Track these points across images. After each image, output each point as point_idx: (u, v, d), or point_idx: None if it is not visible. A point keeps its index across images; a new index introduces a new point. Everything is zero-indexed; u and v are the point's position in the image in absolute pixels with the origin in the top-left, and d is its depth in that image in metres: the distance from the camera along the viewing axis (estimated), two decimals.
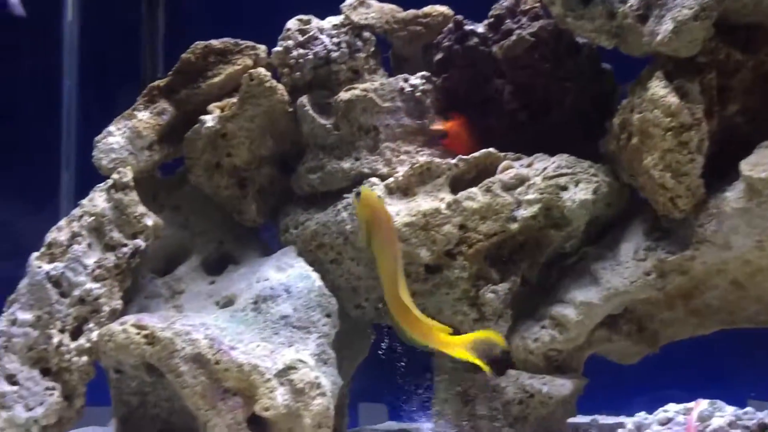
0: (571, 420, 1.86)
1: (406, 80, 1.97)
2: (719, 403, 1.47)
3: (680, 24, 1.54)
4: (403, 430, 2.10)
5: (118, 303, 1.84)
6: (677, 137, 1.57)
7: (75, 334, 1.79)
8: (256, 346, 1.72)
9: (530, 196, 1.75)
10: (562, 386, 1.73)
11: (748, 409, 1.45)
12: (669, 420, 1.46)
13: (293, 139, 2.03)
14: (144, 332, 1.70)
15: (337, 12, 2.03)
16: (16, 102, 2.57)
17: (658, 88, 1.59)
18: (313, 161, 1.97)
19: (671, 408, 1.49)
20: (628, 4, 1.65)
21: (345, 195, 1.92)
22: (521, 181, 1.78)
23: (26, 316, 1.77)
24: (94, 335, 1.77)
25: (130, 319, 1.75)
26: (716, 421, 1.41)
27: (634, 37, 1.67)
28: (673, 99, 1.56)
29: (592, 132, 1.87)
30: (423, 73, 1.98)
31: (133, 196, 1.89)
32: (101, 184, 1.91)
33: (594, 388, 1.86)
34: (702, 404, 1.47)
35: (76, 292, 1.80)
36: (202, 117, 1.95)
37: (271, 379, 1.67)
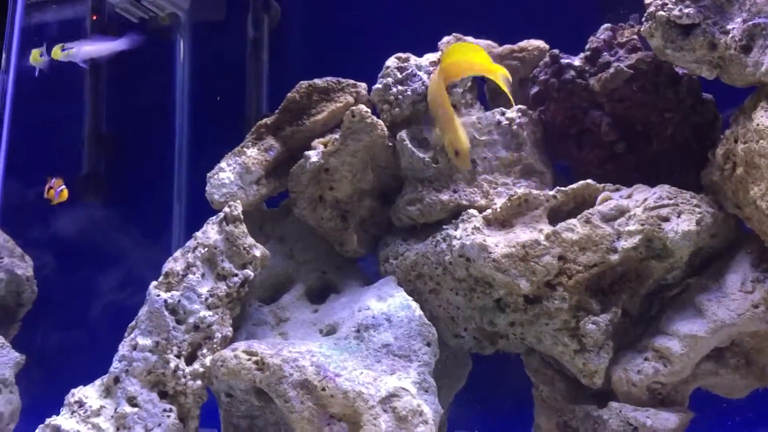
0: None
1: (502, 114, 2.01)
2: None
3: None
4: None
5: (229, 330, 1.94)
6: None
7: (190, 359, 1.89)
8: (359, 373, 1.78)
9: (631, 227, 1.75)
10: (666, 420, 1.70)
11: None
12: None
13: (393, 172, 2.09)
14: (254, 358, 1.79)
15: (434, 49, 2.10)
16: (135, 136, 2.76)
17: (764, 118, 1.57)
18: (412, 193, 2.03)
19: None
20: (731, 35, 1.65)
21: (444, 226, 1.97)
22: (621, 212, 1.78)
23: (146, 341, 1.88)
24: (208, 360, 1.87)
25: (241, 345, 1.84)
26: None
27: (737, 68, 1.65)
28: None
29: (693, 163, 1.86)
30: (520, 106, 2.02)
31: (243, 228, 1.99)
32: (213, 218, 2.02)
33: (699, 421, 1.83)
34: None
35: (191, 320, 1.91)
36: (307, 152, 2.04)
37: (375, 406, 1.72)
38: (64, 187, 2.27)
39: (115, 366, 1.89)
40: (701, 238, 1.74)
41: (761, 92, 1.65)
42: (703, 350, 1.71)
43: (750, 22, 1.61)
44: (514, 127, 2.00)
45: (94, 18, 2.86)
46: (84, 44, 2.21)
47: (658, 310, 1.84)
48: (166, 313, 1.90)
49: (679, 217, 1.73)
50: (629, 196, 1.81)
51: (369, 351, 1.86)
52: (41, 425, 1.83)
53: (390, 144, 2.05)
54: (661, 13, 1.72)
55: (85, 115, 2.67)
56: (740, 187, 1.65)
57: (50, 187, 2.26)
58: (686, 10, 1.70)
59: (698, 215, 1.73)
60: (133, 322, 1.94)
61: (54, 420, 1.83)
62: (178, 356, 1.88)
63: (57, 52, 2.32)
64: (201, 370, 1.87)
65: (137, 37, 2.33)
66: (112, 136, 2.72)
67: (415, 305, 1.89)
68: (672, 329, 1.73)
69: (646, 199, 1.77)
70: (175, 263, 1.99)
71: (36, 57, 2.32)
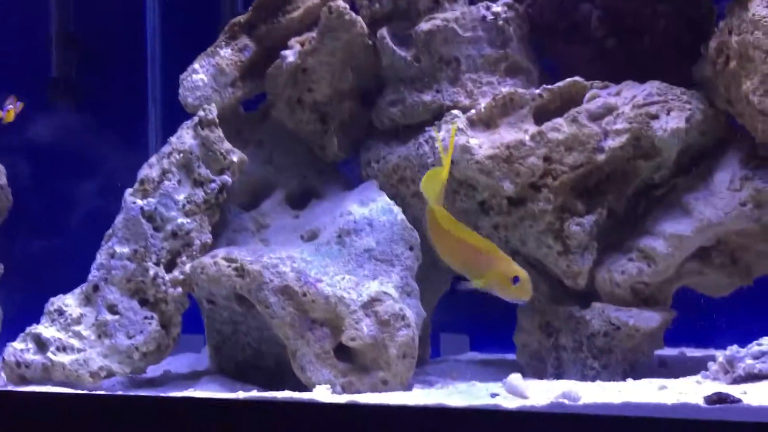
0: (658, 352, 1.84)
1: (487, 8, 1.92)
2: None
3: None
4: (486, 360, 2.12)
5: (208, 237, 1.90)
6: None
7: (169, 267, 1.87)
8: (341, 278, 1.76)
9: (618, 126, 1.70)
10: (649, 319, 1.70)
11: None
12: (763, 354, 1.42)
13: (373, 72, 2.01)
14: (234, 265, 1.76)
15: None
16: (105, 36, 2.64)
17: (760, 8, 1.50)
18: (394, 94, 1.96)
19: (765, 341, 1.45)
20: None
21: (427, 128, 1.91)
22: (609, 110, 1.72)
23: (124, 249, 1.85)
24: (187, 267, 1.85)
25: (221, 252, 1.81)
26: None
27: None
28: None
29: (685, 58, 1.78)
30: (506, 0, 1.92)
31: (219, 132, 1.93)
32: (188, 122, 1.95)
33: (681, 320, 1.83)
34: None
35: (169, 227, 1.87)
36: (283, 52, 1.95)
37: (357, 311, 1.71)
38: (17, 104, 2.17)
39: (94, 274, 1.87)
40: (690, 136, 1.69)
41: None
42: (688, 250, 1.69)
43: None
44: (500, 22, 1.91)
45: None
46: None
47: (645, 211, 1.81)
48: (143, 220, 1.86)
49: (668, 114, 1.67)
50: (618, 94, 1.75)
51: (351, 256, 1.83)
52: (22, 334, 1.82)
53: (370, 42, 1.97)
54: None
55: (51, 14, 2.54)
56: (733, 82, 1.59)
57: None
58: None
59: (688, 112, 1.67)
60: (110, 231, 1.91)
61: (34, 328, 1.82)
62: (157, 264, 1.86)
63: None
64: (181, 277, 1.85)
65: None
66: (81, 36, 2.60)
67: (397, 209, 1.86)
68: (657, 229, 1.70)
69: (635, 96, 1.71)
70: (150, 170, 1.93)
71: None
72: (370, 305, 1.72)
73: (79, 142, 2.53)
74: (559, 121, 1.74)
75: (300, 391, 1.63)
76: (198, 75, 1.98)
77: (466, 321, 2.39)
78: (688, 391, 1.39)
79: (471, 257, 1.39)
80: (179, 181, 1.90)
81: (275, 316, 1.71)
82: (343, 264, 1.82)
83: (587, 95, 1.77)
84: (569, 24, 1.88)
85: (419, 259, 1.84)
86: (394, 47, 1.93)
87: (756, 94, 1.52)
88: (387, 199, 1.89)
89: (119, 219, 1.89)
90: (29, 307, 1.91)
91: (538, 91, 1.81)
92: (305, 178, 2.10)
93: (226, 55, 1.99)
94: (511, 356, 2.02)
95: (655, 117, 1.68)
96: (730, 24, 1.60)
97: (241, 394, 1.63)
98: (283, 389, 1.63)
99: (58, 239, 2.56)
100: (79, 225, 2.53)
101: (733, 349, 1.47)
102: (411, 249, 1.84)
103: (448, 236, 1.42)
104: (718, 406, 1.26)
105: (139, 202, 1.88)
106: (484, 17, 1.91)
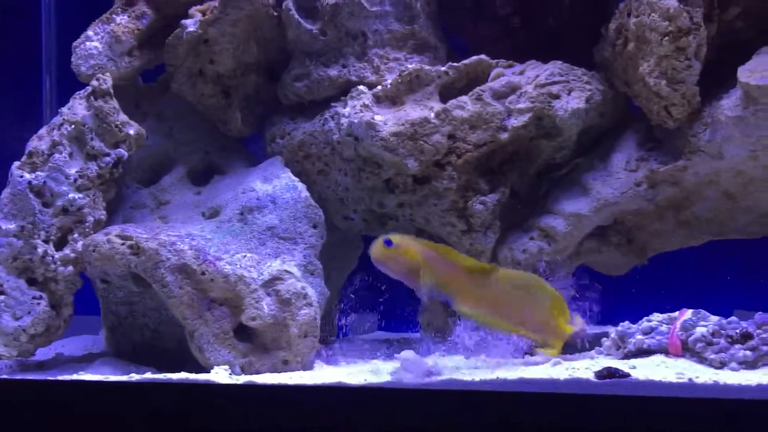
0: None
1: None
2: (703, 313, 1.47)
3: None
4: (390, 339, 2.12)
5: (101, 213, 1.82)
6: (674, 42, 1.51)
7: (60, 244, 1.77)
8: (242, 256, 1.71)
9: (521, 105, 1.71)
10: None
11: (732, 318, 1.45)
12: (652, 329, 1.46)
13: (279, 45, 1.96)
14: (129, 242, 1.69)
15: None
16: None
17: None
18: (299, 68, 1.91)
19: (655, 318, 1.49)
20: None
21: (332, 104, 1.88)
22: (512, 89, 1.73)
23: (10, 225, 1.74)
24: (79, 245, 1.76)
25: (115, 229, 1.73)
26: (699, 330, 1.41)
27: None
28: (671, 2, 1.50)
29: (589, 38, 1.80)
30: None
31: (114, 103, 1.83)
32: (81, 92, 1.85)
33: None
34: (686, 314, 1.47)
35: (59, 202, 1.77)
36: (183, 21, 1.87)
37: (258, 290, 1.66)
38: None
39: None
40: (590, 117, 1.71)
41: None
42: (586, 228, 1.72)
43: None
44: None
45: None
46: None
47: (547, 190, 1.83)
48: (30, 195, 1.76)
49: (569, 94, 1.69)
50: (521, 73, 1.75)
51: (253, 234, 1.79)
52: None
53: (275, 14, 1.91)
54: None
55: None
56: (630, 63, 1.62)
57: None
58: None
59: (588, 92, 1.70)
60: None
61: None
62: (46, 241, 1.76)
63: None
64: (72, 255, 1.76)
65: None
66: None
67: (301, 186, 1.82)
68: (557, 208, 1.73)
69: (537, 76, 1.72)
70: (39, 142, 1.82)
71: None
72: (271, 284, 1.68)
73: None
74: (463, 98, 1.73)
75: (198, 372, 1.58)
76: (92, 42, 1.88)
77: (374, 300, 2.38)
78: (580, 367, 1.41)
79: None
80: (70, 154, 1.80)
81: (172, 295, 1.65)
82: (244, 242, 1.77)
83: (492, 74, 1.77)
84: (476, 1, 1.87)
85: (323, 237, 1.82)
86: (300, 19, 1.88)
87: (652, 76, 1.55)
88: (291, 175, 1.85)
89: (5, 193, 1.78)
90: None
91: (444, 68, 1.79)
92: (207, 153, 2.02)
93: (122, 22, 1.89)
94: (416, 335, 2.01)
95: (557, 97, 1.69)
96: (629, 6, 1.62)
97: (134, 377, 1.57)
98: (182, 371, 1.58)
99: None
100: None
101: (624, 325, 1.51)
102: (315, 227, 1.81)
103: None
104: (607, 380, 1.29)
105: (27, 175, 1.77)
106: None
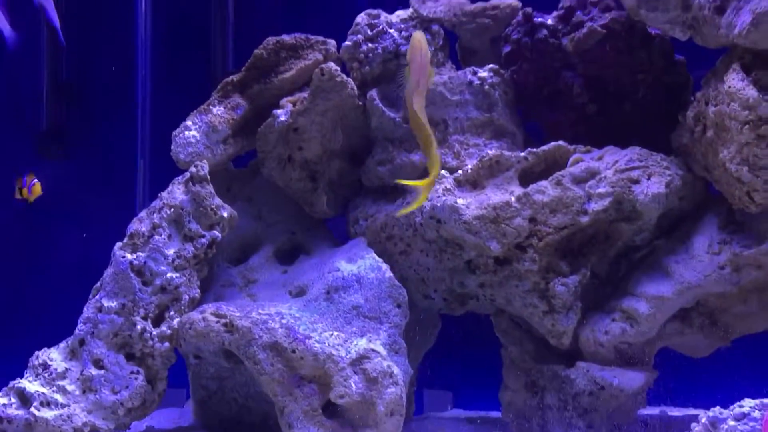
0: (640, 411, 1.87)
1: (474, 73, 1.99)
2: None
3: (760, 16, 1.52)
4: (470, 418, 2.13)
5: (196, 292, 1.91)
6: (755, 130, 1.55)
7: (157, 321, 1.87)
8: (329, 335, 1.77)
9: (601, 190, 1.76)
10: (632, 379, 1.74)
11: None
12: (744, 415, 1.45)
13: (362, 132, 2.06)
14: (223, 320, 1.77)
15: (406, 6, 2.05)
16: (96, 90, 2.68)
17: (736, 80, 1.57)
18: (383, 154, 2.00)
19: (747, 403, 1.48)
20: None
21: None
22: (592, 174, 1.78)
23: (111, 303, 1.85)
24: (175, 322, 1.85)
25: (210, 308, 1.82)
26: None
27: (710, 29, 1.65)
28: (751, 92, 1.54)
29: (664, 124, 1.86)
30: (491, 66, 2.00)
31: (210, 188, 1.95)
32: (179, 177, 1.97)
33: (661, 378, 1.86)
34: None
35: (158, 281, 1.88)
36: (275, 111, 2.00)
37: (346, 368, 1.72)
38: (36, 181, 2.20)
39: (80, 328, 1.86)
40: (670, 201, 1.75)
41: (733, 54, 1.65)
42: (669, 311, 1.74)
43: None
44: (486, 87, 1.97)
45: None
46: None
47: (626, 272, 1.86)
48: (131, 274, 1.87)
49: (649, 179, 1.74)
50: (600, 158, 1.81)
51: (339, 312, 1.85)
52: (5, 388, 1.80)
53: (360, 103, 2.02)
54: None
55: (44, 68, 2.57)
56: (710, 150, 1.66)
57: (21, 187, 2.18)
58: None
59: (668, 177, 1.74)
60: (98, 284, 1.91)
61: (18, 383, 1.80)
62: (144, 318, 1.86)
63: None
64: (168, 332, 1.85)
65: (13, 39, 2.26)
66: (72, 88, 2.63)
67: (385, 267, 1.89)
68: (639, 291, 1.75)
69: (616, 161, 1.77)
70: (140, 224, 1.94)
71: None
72: (358, 362, 1.73)
73: (67, 193, 2.54)
74: (544, 183, 1.79)
75: None
76: (190, 132, 2.01)
77: (449, 377, 2.40)
78: None
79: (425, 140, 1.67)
80: (169, 236, 1.92)
81: (264, 372, 1.72)
82: (331, 320, 1.84)
83: (571, 159, 1.83)
84: (552, 90, 1.95)
85: (407, 316, 1.87)
86: (384, 108, 1.98)
87: (733, 162, 1.58)
88: (375, 256, 1.93)
89: (108, 273, 1.90)
90: (12, 360, 1.89)
91: (523, 154, 1.86)
92: (293, 234, 2.12)
93: (218, 112, 2.03)
94: (495, 414, 2.03)
95: (637, 182, 1.74)
96: (707, 95, 1.68)
97: None
98: None
99: (45, 291, 2.54)
100: (65, 276, 2.52)
101: (716, 411, 1.50)
102: (399, 306, 1.86)
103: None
104: None
105: (129, 256, 1.88)
106: (470, 82, 1.98)
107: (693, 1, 1.66)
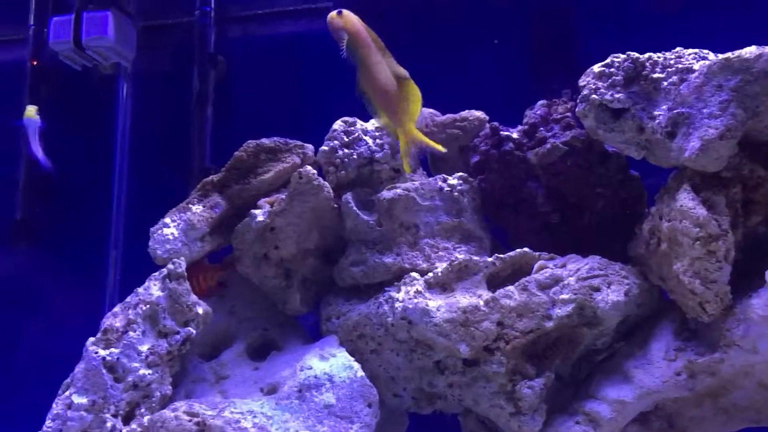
0: None
1: (444, 180, 2.10)
2: None
3: (707, 143, 1.66)
4: None
5: (168, 389, 1.92)
6: (706, 246, 1.67)
7: (127, 419, 1.86)
8: None
9: (565, 296, 1.85)
10: None
11: None
12: None
13: (337, 233, 2.14)
14: (195, 419, 1.78)
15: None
16: (72, 182, 2.72)
17: (687, 200, 1.70)
18: (356, 255, 2.08)
19: None
20: (657, 121, 1.78)
21: (386, 288, 2.03)
22: (556, 281, 1.88)
23: (82, 400, 1.85)
24: (146, 420, 1.85)
25: (182, 405, 1.84)
26: None
27: (662, 151, 1.79)
28: (701, 211, 1.67)
29: (621, 234, 1.98)
30: (460, 174, 2.11)
31: (186, 285, 1.99)
32: (156, 273, 2.01)
33: None
34: None
35: (130, 378, 1.89)
36: (253, 211, 2.07)
37: None
38: None
39: (48, 425, 1.84)
40: (629, 308, 1.85)
41: (684, 174, 1.78)
42: (630, 415, 1.81)
43: (675, 111, 1.74)
44: (455, 193, 2.08)
45: (35, 63, 2.83)
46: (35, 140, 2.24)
47: (588, 374, 1.94)
48: (104, 371, 1.87)
49: (609, 287, 1.84)
50: (563, 266, 1.91)
51: (311, 412, 1.88)
52: None
53: (335, 205, 2.10)
54: (594, 96, 1.85)
55: (21, 160, 2.62)
56: (664, 261, 1.78)
57: None
58: (617, 96, 1.83)
59: (626, 286, 1.84)
60: (69, 380, 1.91)
61: None
62: (115, 416, 1.85)
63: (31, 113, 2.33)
64: (139, 430, 1.84)
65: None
66: (49, 180, 2.68)
67: (357, 366, 1.93)
68: (601, 394, 1.82)
69: (578, 269, 1.88)
70: (114, 319, 1.96)
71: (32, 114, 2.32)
72: None
73: (36, 283, 2.55)
74: (511, 288, 1.88)
75: None
76: (169, 229, 2.06)
77: None
78: None
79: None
80: (144, 332, 1.94)
81: None
82: (303, 419, 1.86)
83: (536, 265, 1.93)
84: (518, 198, 2.07)
85: (377, 416, 1.90)
86: (358, 211, 2.07)
87: (686, 275, 1.70)
88: (347, 355, 1.97)
89: (79, 368, 1.90)
90: None
91: (491, 259, 1.96)
92: (266, 330, 2.16)
93: (197, 211, 2.09)
94: None
95: (597, 290, 1.84)
96: (661, 210, 1.80)
97: None
98: None
99: (10, 384, 2.51)
100: (30, 366, 2.50)
101: None
102: (370, 406, 1.90)
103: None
104: None
105: (102, 352, 1.89)
106: (441, 188, 2.08)
107: (646, 125, 1.81)
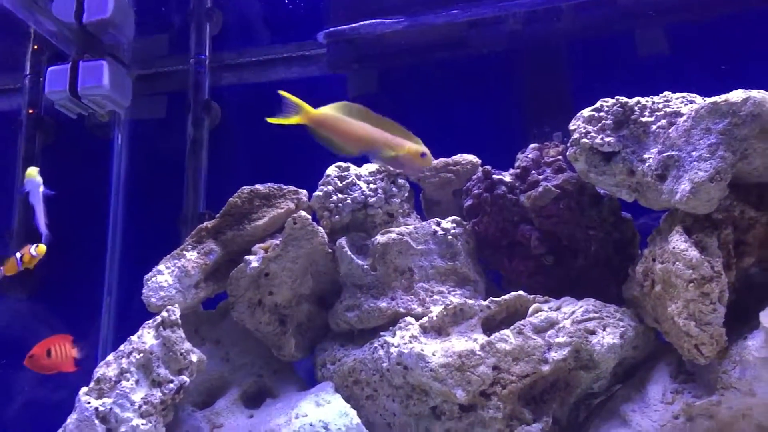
0: None
1: (438, 224, 2.11)
2: None
3: (697, 185, 1.68)
4: None
5: None
6: (699, 288, 1.67)
7: None
8: None
9: (560, 339, 1.85)
10: None
11: None
12: None
13: (331, 277, 2.14)
14: None
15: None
16: (67, 229, 2.72)
17: (679, 242, 1.71)
18: (351, 300, 2.08)
19: None
20: (647, 164, 1.80)
21: (381, 333, 2.02)
22: (551, 324, 1.87)
23: None
24: None
25: None
26: None
27: (653, 194, 1.80)
28: (693, 253, 1.68)
29: (615, 276, 1.99)
30: (454, 217, 2.12)
31: (180, 333, 1.98)
32: (150, 321, 2.00)
33: None
34: None
35: (123, 429, 1.86)
36: (247, 257, 2.07)
37: None
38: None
39: None
40: (625, 351, 1.85)
41: (675, 216, 1.80)
42: None
43: (665, 154, 1.76)
44: (449, 237, 2.09)
45: (30, 112, 2.85)
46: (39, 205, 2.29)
47: (585, 418, 1.92)
48: (96, 421, 1.85)
49: (604, 330, 1.84)
50: (558, 308, 1.91)
51: None
52: None
53: (330, 250, 2.11)
54: (585, 140, 1.87)
55: (15, 207, 2.62)
56: (659, 303, 1.78)
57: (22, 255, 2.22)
58: (607, 139, 1.85)
59: (622, 329, 1.84)
60: (61, 430, 1.88)
61: None
62: None
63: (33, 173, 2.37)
64: None
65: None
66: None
67: (353, 413, 1.91)
68: None
69: (573, 312, 1.87)
70: (107, 368, 1.95)
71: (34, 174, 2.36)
72: None
73: (29, 332, 2.53)
74: (506, 332, 1.87)
75: None
76: (163, 276, 2.06)
77: None
78: None
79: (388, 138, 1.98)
80: (137, 381, 1.92)
81: None
82: None
83: (531, 308, 1.92)
84: (511, 241, 2.08)
85: None
86: (352, 255, 2.07)
87: (681, 317, 1.70)
88: (342, 401, 1.95)
89: (71, 419, 1.87)
90: None
91: (485, 302, 1.96)
92: (260, 376, 2.14)
93: (192, 257, 2.09)
94: None
95: (593, 332, 1.83)
96: (654, 252, 1.81)
97: None
98: None
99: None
100: (21, 414, 2.46)
101: None
102: None
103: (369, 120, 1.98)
104: None
105: (94, 402, 1.87)
106: (434, 232, 2.09)
107: (637, 168, 1.82)
